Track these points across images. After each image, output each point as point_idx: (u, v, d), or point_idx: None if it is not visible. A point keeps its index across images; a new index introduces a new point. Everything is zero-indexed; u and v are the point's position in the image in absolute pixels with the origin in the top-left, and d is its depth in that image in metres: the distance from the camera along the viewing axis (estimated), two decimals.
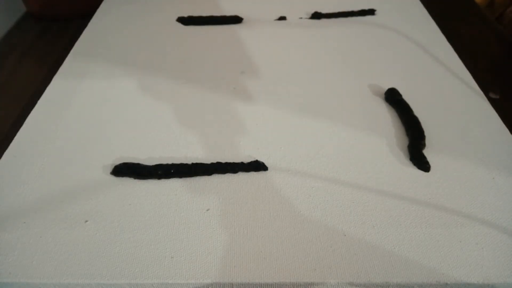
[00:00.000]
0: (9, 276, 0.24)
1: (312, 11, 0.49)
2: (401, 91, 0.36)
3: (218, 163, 0.30)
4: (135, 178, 0.29)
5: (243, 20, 0.48)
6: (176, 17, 0.49)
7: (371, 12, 0.49)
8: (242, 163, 0.30)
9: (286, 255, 0.25)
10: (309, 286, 0.24)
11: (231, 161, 0.30)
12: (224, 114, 0.35)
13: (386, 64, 0.41)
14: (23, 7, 0.55)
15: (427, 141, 0.32)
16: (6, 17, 0.53)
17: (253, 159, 0.30)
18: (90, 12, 0.50)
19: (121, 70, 0.41)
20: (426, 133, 0.32)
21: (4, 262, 0.25)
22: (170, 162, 0.30)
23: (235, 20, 0.48)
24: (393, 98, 0.36)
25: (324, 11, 0.49)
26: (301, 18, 0.49)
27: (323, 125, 0.34)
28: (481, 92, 0.37)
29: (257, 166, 0.30)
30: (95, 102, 0.37)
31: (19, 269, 0.24)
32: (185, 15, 0.49)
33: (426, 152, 0.31)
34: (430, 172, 0.30)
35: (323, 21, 0.48)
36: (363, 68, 0.41)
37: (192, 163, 0.30)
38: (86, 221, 0.27)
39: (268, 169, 0.30)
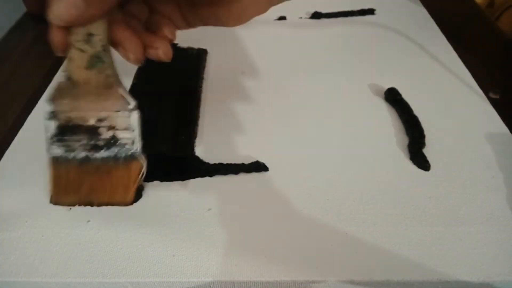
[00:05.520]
0: (11, 275, 0.24)
1: (312, 11, 0.49)
2: (401, 91, 0.36)
3: (220, 164, 0.30)
4: None
5: None
6: None
7: (371, 11, 0.49)
8: (243, 164, 0.30)
9: (287, 254, 0.25)
10: (310, 284, 0.24)
11: (232, 162, 0.30)
12: (225, 115, 0.35)
13: (386, 64, 0.41)
14: (23, 7, 0.55)
15: (427, 141, 0.32)
16: (6, 17, 0.53)
17: (254, 160, 0.31)
18: None
19: (121, 69, 0.41)
20: (426, 133, 0.33)
21: (6, 261, 0.25)
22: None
23: None
24: (393, 97, 0.36)
25: (324, 11, 0.49)
26: (301, 18, 0.49)
27: (323, 124, 0.34)
28: (481, 92, 0.37)
29: (258, 167, 0.30)
30: None
31: (21, 268, 0.24)
32: None
33: (426, 151, 0.31)
34: (430, 171, 0.30)
35: (323, 20, 0.49)
36: (363, 68, 0.41)
37: (194, 165, 0.30)
38: (88, 220, 0.27)
39: (269, 169, 0.30)
